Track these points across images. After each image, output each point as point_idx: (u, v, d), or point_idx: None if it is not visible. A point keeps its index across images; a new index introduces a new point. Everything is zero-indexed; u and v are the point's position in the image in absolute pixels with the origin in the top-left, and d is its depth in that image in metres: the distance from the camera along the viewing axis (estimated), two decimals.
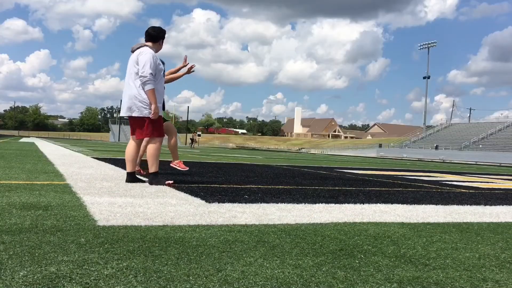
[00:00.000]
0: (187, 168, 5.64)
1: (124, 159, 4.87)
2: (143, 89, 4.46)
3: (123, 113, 4.64)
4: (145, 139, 4.94)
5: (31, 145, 18.56)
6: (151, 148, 4.65)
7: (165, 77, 5.29)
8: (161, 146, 4.69)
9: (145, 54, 4.49)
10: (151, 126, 4.58)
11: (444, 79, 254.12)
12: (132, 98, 4.50)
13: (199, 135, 73.87)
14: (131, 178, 4.72)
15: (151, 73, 4.44)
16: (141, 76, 4.43)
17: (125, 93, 4.61)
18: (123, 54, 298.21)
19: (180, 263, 1.78)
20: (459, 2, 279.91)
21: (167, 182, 4.64)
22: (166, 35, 4.86)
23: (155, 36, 4.71)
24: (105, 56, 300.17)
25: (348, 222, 2.99)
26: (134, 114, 4.53)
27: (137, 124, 4.63)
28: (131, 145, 4.74)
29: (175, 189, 4.28)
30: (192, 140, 47.82)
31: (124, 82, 4.68)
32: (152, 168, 4.66)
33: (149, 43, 4.69)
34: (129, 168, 4.72)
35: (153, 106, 4.47)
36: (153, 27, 4.77)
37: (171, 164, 5.53)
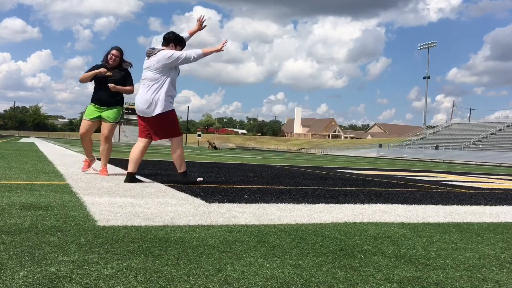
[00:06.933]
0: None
1: (127, 159, 4.88)
2: (195, 58, 4.70)
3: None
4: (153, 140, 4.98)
5: (31, 145, 18.56)
6: (180, 149, 4.80)
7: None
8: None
9: (165, 53, 4.66)
10: (174, 126, 4.75)
11: (444, 78, 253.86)
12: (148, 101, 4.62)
13: (199, 135, 76.60)
14: (131, 178, 4.74)
15: (180, 54, 4.65)
16: (185, 60, 4.66)
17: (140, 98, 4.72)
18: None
19: (180, 263, 1.78)
20: (461, 0, 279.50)
21: (198, 179, 4.99)
22: (182, 43, 4.95)
23: (167, 39, 4.85)
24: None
25: (348, 222, 2.99)
26: (154, 114, 4.61)
27: (155, 125, 4.70)
28: (138, 147, 4.83)
29: (175, 189, 4.28)
30: (213, 145, 48.95)
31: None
32: (182, 168, 4.84)
33: (164, 47, 4.82)
34: (130, 169, 4.76)
35: (212, 49, 4.76)
36: (168, 32, 4.94)
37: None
